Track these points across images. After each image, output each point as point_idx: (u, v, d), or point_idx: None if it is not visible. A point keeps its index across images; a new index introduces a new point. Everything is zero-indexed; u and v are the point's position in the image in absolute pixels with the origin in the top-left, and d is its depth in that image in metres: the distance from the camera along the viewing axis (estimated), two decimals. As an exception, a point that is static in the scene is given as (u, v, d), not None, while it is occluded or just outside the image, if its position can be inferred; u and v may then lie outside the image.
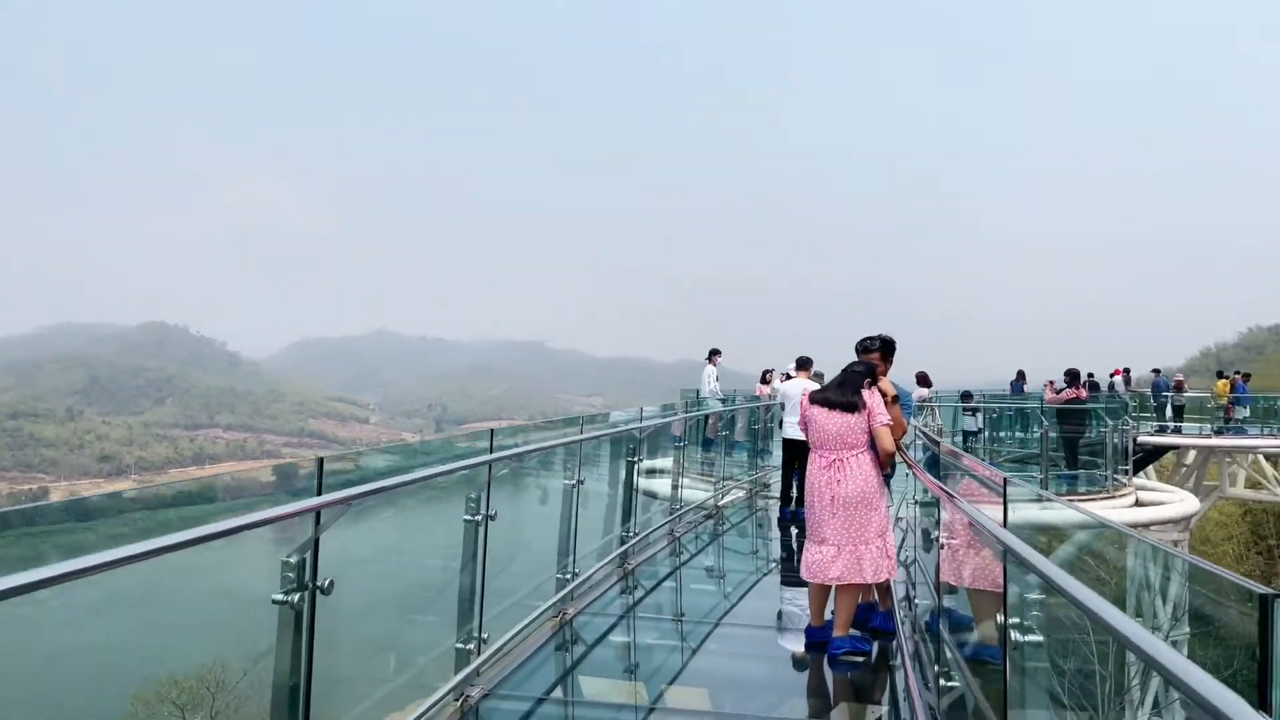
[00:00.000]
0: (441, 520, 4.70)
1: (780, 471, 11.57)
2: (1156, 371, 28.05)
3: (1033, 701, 2.78)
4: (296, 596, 2.89)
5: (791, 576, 7.87)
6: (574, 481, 6.03)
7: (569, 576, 5.90)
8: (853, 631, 5.33)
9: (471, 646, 4.39)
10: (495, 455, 4.47)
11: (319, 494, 2.91)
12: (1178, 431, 25.54)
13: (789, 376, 14.43)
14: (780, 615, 6.77)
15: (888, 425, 5.32)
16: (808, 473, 5.42)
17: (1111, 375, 27.66)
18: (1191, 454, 27.31)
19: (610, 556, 7.00)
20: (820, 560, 5.23)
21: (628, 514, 7.54)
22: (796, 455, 10.32)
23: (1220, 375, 28.12)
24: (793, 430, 10.07)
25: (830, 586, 5.33)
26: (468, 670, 4.31)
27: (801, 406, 5.55)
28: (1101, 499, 13.08)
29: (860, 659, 5.24)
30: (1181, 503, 14.80)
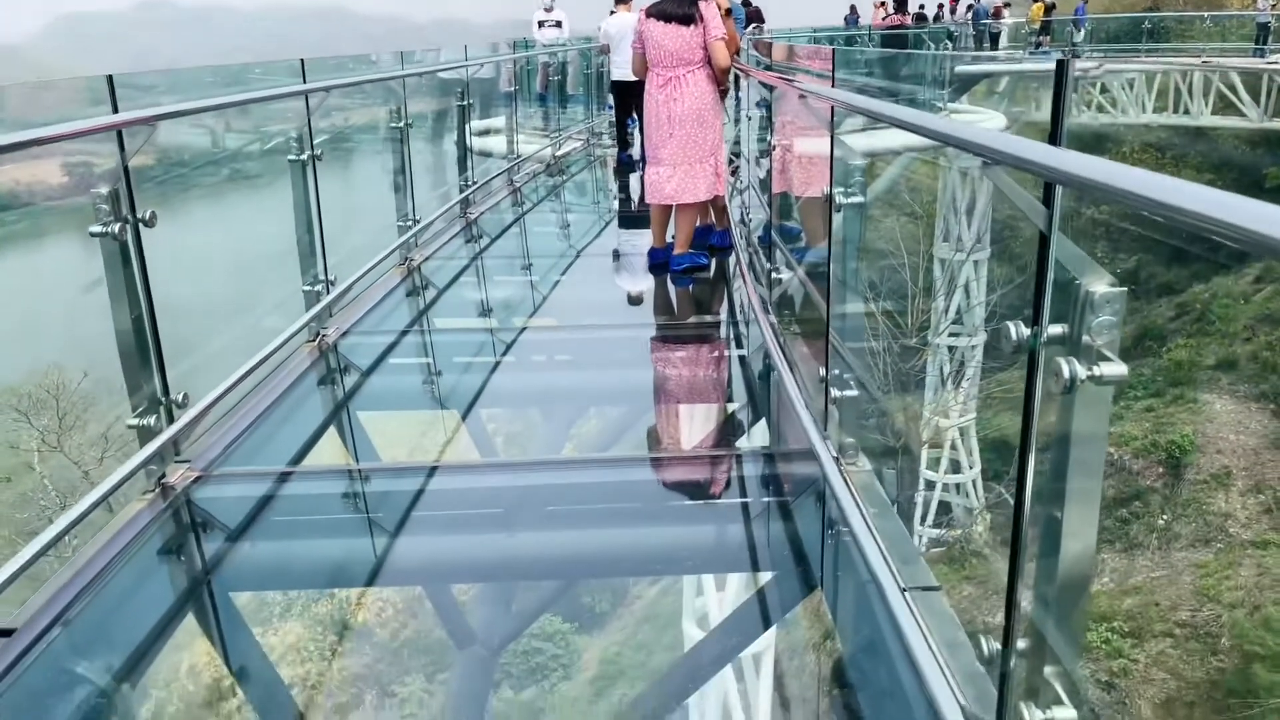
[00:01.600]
0: (274, 174, 4.39)
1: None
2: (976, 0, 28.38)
3: (851, 289, 3.03)
4: (116, 227, 2.66)
5: (629, 217, 8.08)
6: (402, 124, 5.73)
7: (410, 224, 5.81)
8: (691, 250, 5.61)
9: (319, 288, 4.34)
10: (311, 86, 4.13)
11: (114, 110, 2.61)
12: (993, 59, 26.51)
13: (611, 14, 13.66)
14: (619, 252, 7.02)
15: (723, 39, 5.23)
16: (645, 94, 5.34)
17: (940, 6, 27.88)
18: (1004, 80, 28.62)
19: (450, 204, 6.91)
20: (657, 180, 5.34)
21: (464, 164, 7.34)
22: (628, 98, 10.11)
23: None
24: (622, 72, 9.73)
25: (670, 208, 5.50)
26: (318, 308, 4.30)
27: (638, 26, 5.32)
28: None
29: (701, 273, 5.58)
30: (989, 121, 15.75)
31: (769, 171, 5.59)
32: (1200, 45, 29.72)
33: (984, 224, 22.09)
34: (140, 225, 2.79)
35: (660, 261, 5.56)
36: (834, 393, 2.89)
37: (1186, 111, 28.51)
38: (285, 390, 3.81)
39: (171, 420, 2.97)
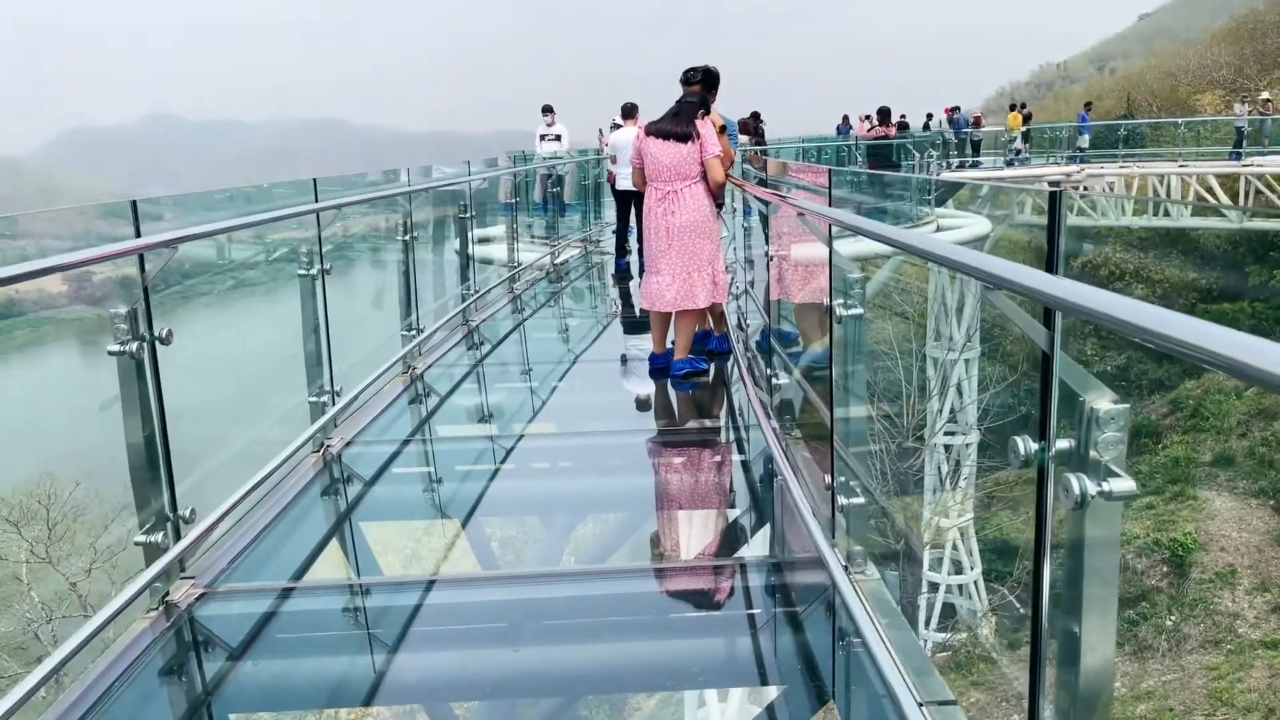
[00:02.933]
0: (278, 282, 4.50)
1: (614, 226, 11.72)
2: (957, 109, 29.50)
3: (855, 396, 3.08)
4: (134, 346, 2.73)
5: (631, 322, 8.21)
6: (408, 236, 5.89)
7: (414, 333, 5.91)
8: (691, 355, 5.70)
9: (325, 399, 4.39)
10: (323, 205, 4.27)
11: (138, 234, 2.71)
12: (975, 166, 27.39)
13: (617, 126, 14.19)
14: (623, 357, 7.11)
15: (718, 156, 5.44)
16: (644, 207, 5.52)
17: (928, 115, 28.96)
18: (984, 186, 29.49)
19: (453, 314, 7.03)
20: (657, 289, 5.47)
21: (466, 273, 7.51)
22: (629, 206, 10.41)
23: (1013, 108, 29.95)
24: (626, 182, 10.06)
25: (669, 315, 5.61)
26: (324, 419, 4.34)
27: (636, 141, 5.56)
28: (906, 228, 14.02)
29: (700, 377, 5.65)
30: (974, 225, 16.16)
31: (767, 279, 5.74)
32: (1176, 150, 30.81)
33: (973, 323, 22.34)
34: (156, 343, 2.85)
35: (661, 367, 5.65)
36: (841, 500, 2.90)
37: (1166, 214, 29.30)
38: (290, 503, 3.82)
39: (179, 537, 2.96)
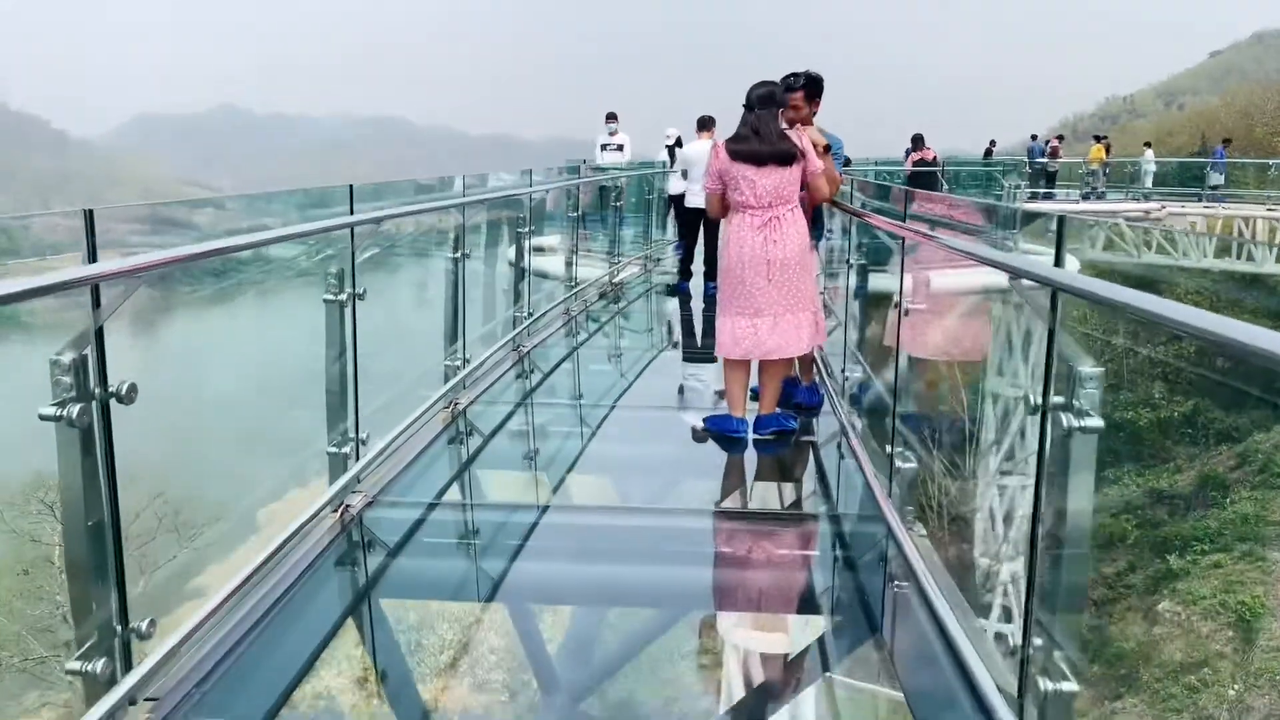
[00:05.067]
0: (303, 305, 3.84)
1: (675, 244, 10.94)
2: (1033, 137, 28.29)
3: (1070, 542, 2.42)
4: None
5: (693, 352, 7.41)
6: (458, 255, 5.14)
7: (459, 364, 5.15)
8: (779, 409, 4.86)
9: (348, 450, 3.65)
10: (358, 219, 3.52)
11: (91, 259, 1.97)
12: (1048, 197, 26.18)
13: (678, 142, 13.44)
14: (682, 391, 6.32)
15: (821, 172, 4.64)
16: (732, 237, 4.67)
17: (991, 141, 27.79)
18: (1052, 219, 28.19)
19: (503, 341, 6.27)
20: (752, 334, 4.62)
21: (520, 294, 6.75)
22: (697, 226, 9.63)
23: (1097, 139, 28.63)
24: (696, 198, 9.28)
25: (748, 368, 4.78)
26: (345, 478, 3.60)
27: (715, 166, 4.71)
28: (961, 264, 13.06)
29: (786, 437, 4.80)
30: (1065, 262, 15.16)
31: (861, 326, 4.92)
32: (1264, 193, 29.22)
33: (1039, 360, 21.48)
34: (112, 400, 2.10)
35: (738, 435, 4.78)
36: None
37: (1250, 258, 27.82)
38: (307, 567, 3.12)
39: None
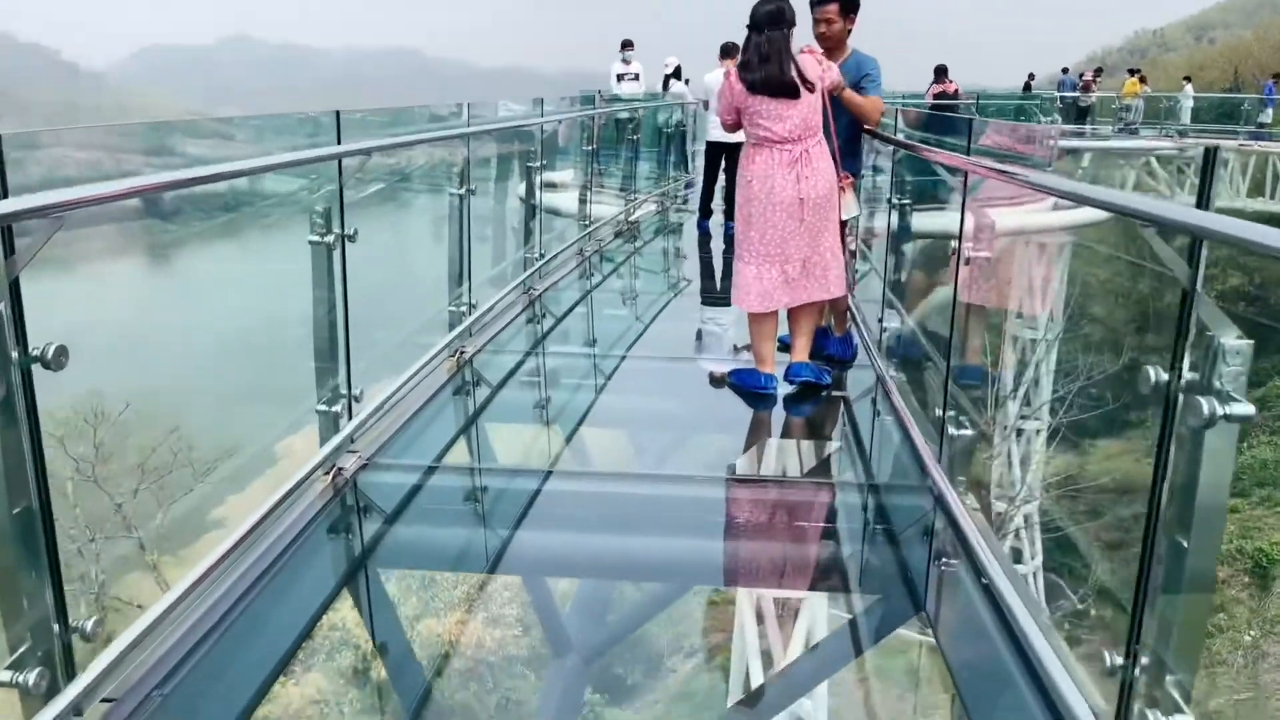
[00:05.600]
0: (281, 247, 3.50)
1: (699, 179, 10.45)
2: (1064, 71, 27.24)
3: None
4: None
5: (713, 297, 7.02)
6: (462, 191, 4.73)
7: (465, 310, 4.78)
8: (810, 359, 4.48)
9: (339, 408, 3.30)
10: (345, 149, 3.12)
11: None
12: (1079, 135, 25.27)
13: (676, 72, 12.81)
14: (702, 339, 5.95)
15: (833, 84, 4.24)
16: (756, 176, 4.19)
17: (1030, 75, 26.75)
18: (1087, 156, 27.35)
19: (513, 284, 5.88)
20: (776, 282, 4.21)
21: (530, 233, 6.34)
22: (720, 161, 9.12)
23: (1131, 73, 27.50)
24: (717, 131, 8.76)
25: (776, 317, 4.38)
26: (338, 439, 3.26)
27: (728, 98, 4.24)
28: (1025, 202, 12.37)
29: (821, 392, 4.43)
30: (1065, 211, 14.48)
31: (909, 273, 4.50)
32: (1300, 128, 28.14)
33: (1058, 301, 21.11)
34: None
35: (767, 390, 4.38)
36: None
37: (1274, 196, 27.00)
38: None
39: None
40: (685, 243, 9.74)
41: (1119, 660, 1.88)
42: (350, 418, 3.36)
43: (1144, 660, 1.83)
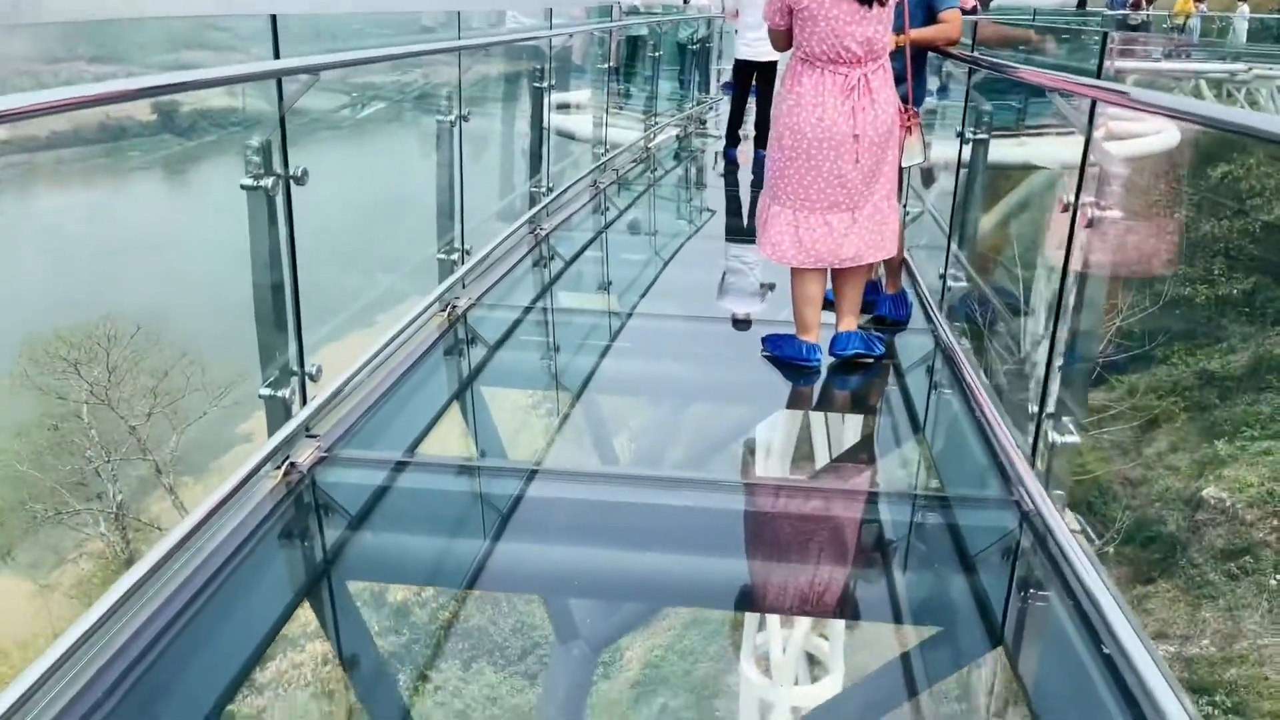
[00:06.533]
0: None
1: (726, 103, 9.60)
2: (1114, -12, 25.59)
3: None
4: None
5: (739, 237, 6.33)
6: (452, 117, 4.00)
7: (457, 257, 4.12)
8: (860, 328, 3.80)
9: (289, 391, 2.72)
10: (286, 64, 2.41)
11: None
12: (1131, 55, 23.79)
13: None
14: (728, 292, 5.27)
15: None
16: (803, 103, 3.40)
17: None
18: (1131, 79, 25.87)
19: (518, 224, 5.19)
20: (826, 235, 3.50)
21: (539, 164, 5.60)
22: (752, 81, 8.26)
23: (1183, -10, 25.77)
24: (747, 49, 7.88)
25: (825, 276, 3.68)
26: (290, 426, 2.67)
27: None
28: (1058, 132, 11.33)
29: (869, 361, 3.76)
30: (1159, 135, 13.40)
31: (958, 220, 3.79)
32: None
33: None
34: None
35: (812, 364, 3.69)
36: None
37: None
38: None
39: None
40: (709, 174, 8.94)
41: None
42: (305, 401, 2.78)
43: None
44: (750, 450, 3.48)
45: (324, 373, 2.81)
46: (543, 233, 5.52)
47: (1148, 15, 24.40)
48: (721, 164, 8.71)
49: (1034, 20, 14.36)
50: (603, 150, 7.18)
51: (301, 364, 2.74)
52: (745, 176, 8.26)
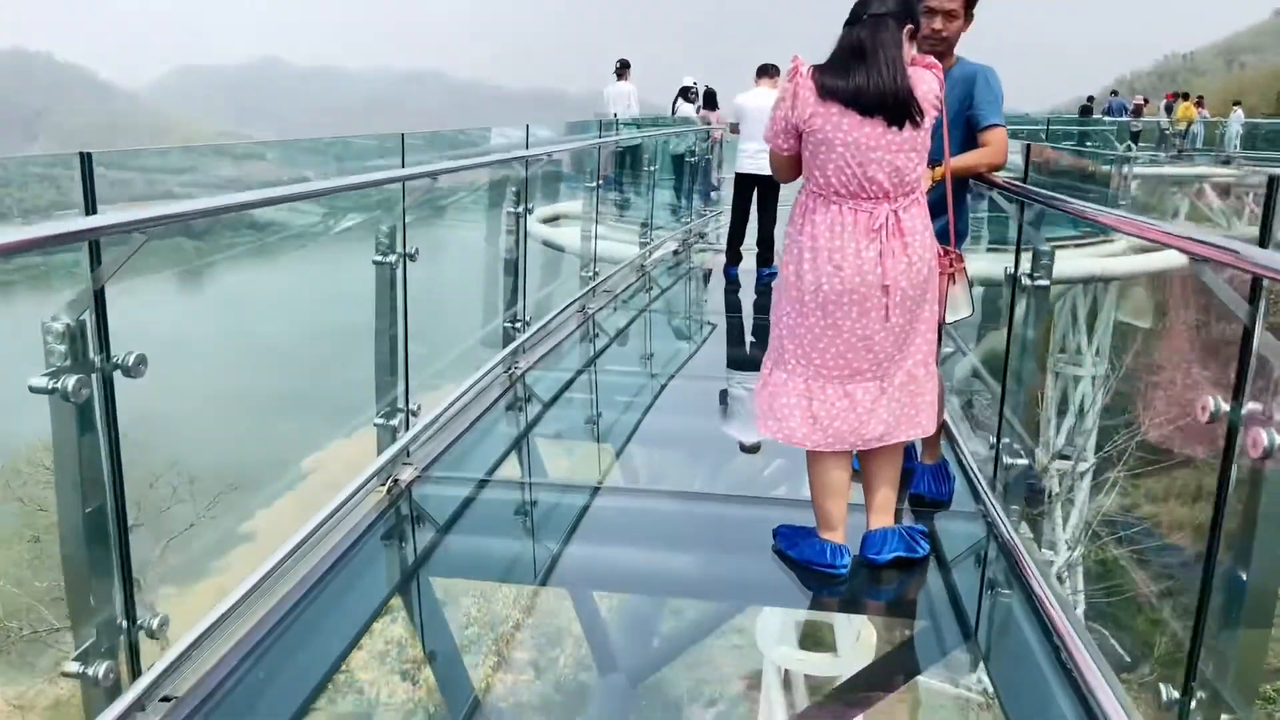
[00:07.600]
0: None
1: (724, 218, 9.06)
2: (1114, 93, 25.69)
3: None
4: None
5: (741, 362, 5.64)
6: (395, 257, 3.32)
7: (396, 425, 3.39)
8: (902, 524, 3.02)
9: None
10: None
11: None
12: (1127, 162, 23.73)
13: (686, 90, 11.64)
14: (729, 427, 4.56)
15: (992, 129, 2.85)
16: (810, 244, 2.71)
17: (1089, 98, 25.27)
18: (1135, 183, 25.80)
19: (486, 369, 4.48)
20: (846, 409, 2.77)
21: (515, 297, 4.93)
22: (752, 196, 7.72)
23: (1183, 97, 25.87)
24: (749, 162, 7.37)
25: (849, 459, 2.91)
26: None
27: (786, 107, 2.75)
28: (1096, 242, 10.81)
29: (915, 565, 2.96)
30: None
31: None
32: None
33: (1105, 338, 20.08)
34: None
35: (837, 569, 2.87)
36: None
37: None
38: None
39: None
40: (710, 296, 8.28)
41: (1175, 695, 1.82)
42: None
43: (1200, 695, 1.76)
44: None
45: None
46: (518, 372, 4.81)
47: (1145, 123, 24.45)
48: (723, 283, 8.09)
49: (1048, 128, 14.07)
50: (591, 273, 6.53)
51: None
52: (748, 296, 7.64)
